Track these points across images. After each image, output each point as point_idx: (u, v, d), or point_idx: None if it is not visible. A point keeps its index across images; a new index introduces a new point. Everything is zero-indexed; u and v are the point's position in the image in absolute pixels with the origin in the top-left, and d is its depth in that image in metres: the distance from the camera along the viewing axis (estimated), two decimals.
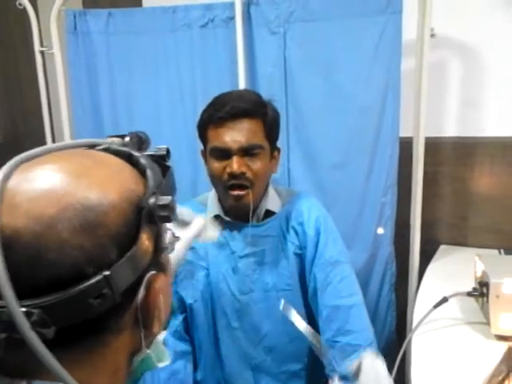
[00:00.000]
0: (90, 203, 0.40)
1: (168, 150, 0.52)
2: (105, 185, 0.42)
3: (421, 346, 1.05)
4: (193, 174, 1.58)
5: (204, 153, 1.12)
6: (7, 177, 0.40)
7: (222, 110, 1.03)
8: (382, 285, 1.53)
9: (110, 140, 0.51)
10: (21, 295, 0.36)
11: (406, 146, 1.46)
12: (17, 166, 0.42)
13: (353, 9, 1.41)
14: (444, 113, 1.60)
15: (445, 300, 1.11)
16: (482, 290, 1.08)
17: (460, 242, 1.63)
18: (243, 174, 1.03)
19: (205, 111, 1.09)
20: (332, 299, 1.08)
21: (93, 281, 0.38)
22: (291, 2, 1.45)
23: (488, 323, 1.05)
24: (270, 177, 1.14)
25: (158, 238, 0.46)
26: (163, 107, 1.64)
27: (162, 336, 0.51)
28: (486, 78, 1.54)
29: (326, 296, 1.08)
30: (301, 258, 1.13)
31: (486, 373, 0.92)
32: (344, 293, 1.09)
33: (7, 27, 2.19)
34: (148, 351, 0.48)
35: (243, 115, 1.03)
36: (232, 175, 1.03)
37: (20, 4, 1.72)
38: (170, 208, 0.44)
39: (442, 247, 1.62)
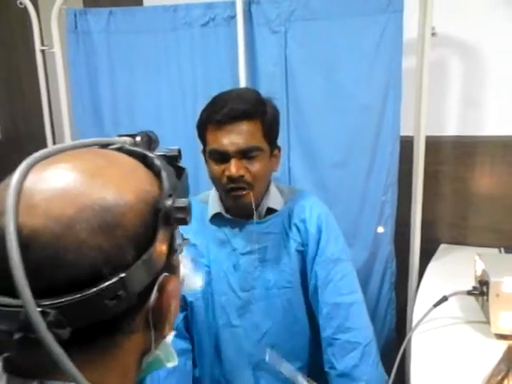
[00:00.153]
0: (108, 204, 0.40)
1: (180, 151, 0.52)
2: (120, 185, 0.42)
3: (421, 344, 1.06)
4: (194, 172, 1.58)
5: (204, 152, 1.12)
6: (24, 176, 0.40)
7: (219, 113, 1.02)
8: (382, 283, 1.54)
9: (122, 139, 0.51)
10: (37, 295, 0.36)
11: (406, 144, 1.46)
12: (32, 165, 0.41)
13: (354, 7, 1.41)
14: (445, 112, 1.60)
15: (445, 299, 1.11)
16: (481, 289, 1.08)
17: (460, 241, 1.63)
18: (242, 177, 1.03)
19: (203, 112, 1.08)
20: (332, 297, 1.08)
21: (109, 282, 0.38)
22: (292, 0, 1.45)
23: (488, 322, 1.06)
24: (270, 175, 1.14)
25: (171, 240, 0.46)
26: (164, 106, 1.64)
27: (170, 337, 0.51)
28: (486, 77, 1.53)
29: (326, 293, 1.09)
30: (302, 255, 1.13)
31: (486, 372, 0.92)
32: (344, 290, 1.09)
33: (8, 26, 2.19)
34: (158, 352, 0.49)
35: (241, 117, 1.03)
36: (231, 179, 1.03)
37: (21, 3, 1.72)
38: (186, 210, 0.44)
39: (442, 246, 1.62)
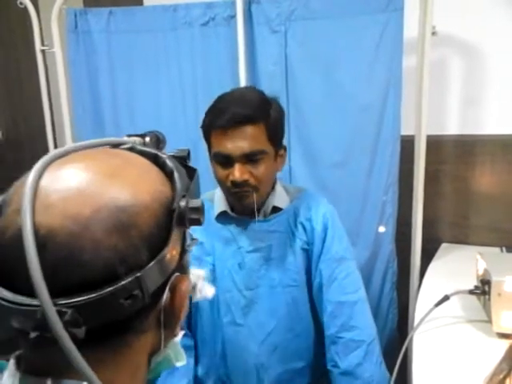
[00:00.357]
0: (123, 204, 0.40)
1: (189, 152, 0.52)
2: (136, 185, 0.42)
3: (422, 343, 1.05)
4: None
5: (209, 151, 1.11)
6: (40, 175, 0.40)
7: (222, 118, 1.01)
8: (384, 283, 1.53)
9: (131, 139, 0.51)
10: (54, 294, 0.36)
11: (407, 144, 1.45)
12: (48, 164, 0.42)
13: (354, 7, 1.41)
14: (445, 111, 1.60)
15: (446, 298, 1.11)
16: (483, 288, 1.07)
17: (461, 240, 1.63)
18: (246, 181, 1.03)
19: (207, 115, 1.07)
20: (337, 295, 1.08)
21: (125, 282, 0.38)
22: (292, 0, 1.45)
23: (490, 321, 1.05)
24: (275, 176, 1.14)
25: (183, 241, 0.46)
26: (164, 106, 1.64)
27: (179, 336, 0.52)
28: (487, 76, 1.53)
29: (331, 292, 1.09)
30: (307, 253, 1.13)
31: (488, 371, 0.92)
32: (349, 289, 1.10)
33: (8, 26, 2.19)
34: (168, 351, 0.49)
35: (244, 121, 1.02)
36: (235, 183, 1.03)
37: (21, 3, 1.72)
38: (200, 211, 0.44)
39: (444, 245, 1.62)
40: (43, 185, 0.40)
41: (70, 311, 0.36)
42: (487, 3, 1.48)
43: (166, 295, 0.44)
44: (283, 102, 1.47)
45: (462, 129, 1.60)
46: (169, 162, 0.47)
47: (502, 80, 1.52)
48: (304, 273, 1.13)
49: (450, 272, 1.37)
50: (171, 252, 0.42)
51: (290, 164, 1.55)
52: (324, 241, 1.12)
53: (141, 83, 1.65)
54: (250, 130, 1.02)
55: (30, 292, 0.36)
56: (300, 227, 1.13)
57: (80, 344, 0.36)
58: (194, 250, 0.51)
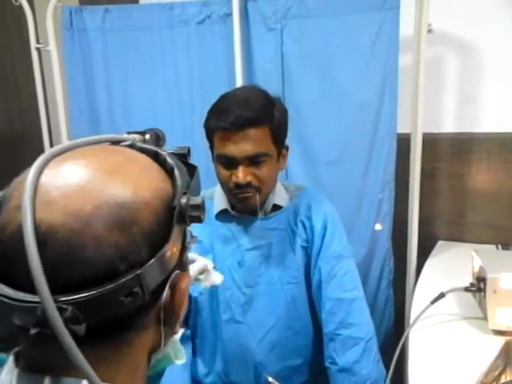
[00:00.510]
0: (124, 200, 0.40)
1: (189, 149, 0.52)
2: (137, 182, 0.42)
3: (418, 341, 1.06)
4: None
5: (211, 150, 1.11)
6: (40, 172, 0.40)
7: (226, 120, 1.00)
8: (380, 280, 1.54)
9: (131, 136, 0.51)
10: (54, 291, 0.36)
11: (403, 142, 1.46)
12: (49, 160, 0.41)
13: (350, 5, 1.41)
14: (441, 109, 1.61)
15: (442, 295, 1.11)
16: (479, 285, 1.08)
17: (457, 237, 1.63)
18: (249, 183, 1.04)
19: (210, 115, 1.06)
20: (336, 292, 1.09)
21: (125, 279, 0.38)
22: None
23: (485, 318, 1.06)
24: (277, 175, 1.14)
25: (184, 238, 0.46)
26: (160, 103, 1.64)
27: (179, 334, 0.52)
28: (483, 73, 1.54)
29: (329, 289, 1.10)
30: (307, 251, 1.14)
31: (483, 367, 0.92)
32: (348, 286, 1.10)
33: (3, 24, 2.18)
34: (168, 349, 0.49)
35: (249, 124, 1.01)
36: (238, 185, 1.03)
37: (16, 0, 1.71)
38: (201, 208, 0.44)
39: (440, 243, 1.63)
40: (43, 181, 0.40)
41: (70, 308, 0.36)
42: (483, 1, 1.48)
43: (166, 293, 0.44)
44: None
45: (458, 127, 1.60)
46: (169, 160, 0.47)
47: (498, 78, 1.52)
48: (303, 270, 1.14)
49: (446, 269, 1.38)
50: (172, 249, 0.42)
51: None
52: (323, 238, 1.12)
53: (136, 81, 1.64)
54: (254, 132, 1.01)
55: (31, 289, 0.36)
56: (300, 225, 1.14)
57: (80, 341, 0.36)
58: (193, 248, 0.51)
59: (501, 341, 1.01)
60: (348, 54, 1.43)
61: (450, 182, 1.62)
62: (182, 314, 0.48)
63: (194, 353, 1.20)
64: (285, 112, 1.10)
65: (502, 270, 1.03)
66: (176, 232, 0.43)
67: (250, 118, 1.01)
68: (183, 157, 0.51)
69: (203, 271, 0.77)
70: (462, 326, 1.09)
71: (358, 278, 1.14)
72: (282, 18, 1.47)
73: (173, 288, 0.44)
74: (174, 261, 0.43)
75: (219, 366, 1.17)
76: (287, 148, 1.15)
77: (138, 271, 0.39)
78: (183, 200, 0.43)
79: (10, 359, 0.42)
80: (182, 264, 0.46)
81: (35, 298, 0.36)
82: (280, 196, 1.15)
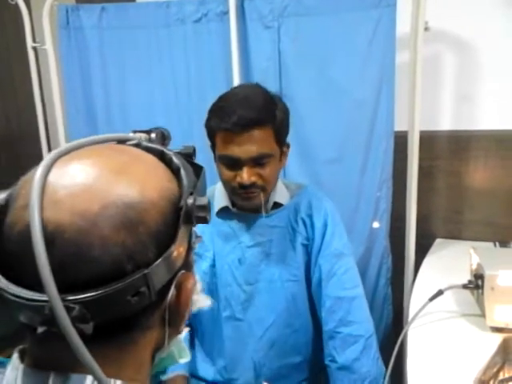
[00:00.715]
0: (131, 200, 0.40)
1: (194, 149, 0.52)
2: (143, 182, 0.42)
3: (417, 338, 1.06)
4: None
5: (212, 149, 1.10)
6: (47, 171, 0.40)
7: (228, 121, 0.99)
8: (378, 278, 1.54)
9: (137, 136, 0.51)
10: (61, 290, 0.36)
11: (400, 140, 1.46)
12: (55, 160, 0.41)
13: (347, 3, 1.41)
14: (438, 107, 1.61)
15: (440, 293, 1.11)
16: (477, 283, 1.08)
17: (455, 235, 1.64)
18: (253, 183, 1.04)
19: (211, 115, 1.05)
20: (336, 290, 1.09)
21: (132, 278, 0.38)
22: None
23: (483, 315, 1.06)
24: (279, 173, 1.14)
25: (189, 238, 0.46)
26: (157, 102, 1.64)
27: (183, 333, 0.52)
28: (480, 71, 1.54)
29: (329, 287, 1.10)
30: (307, 249, 1.14)
31: (481, 364, 0.92)
32: (348, 284, 1.11)
33: (0, 23, 2.17)
34: (172, 348, 0.49)
35: (251, 125, 1.00)
36: (242, 186, 1.03)
37: None
38: (207, 209, 0.44)
39: (438, 241, 1.63)
40: (51, 180, 0.40)
41: (77, 307, 0.36)
42: None
43: (171, 293, 0.44)
44: None
45: (455, 124, 1.60)
46: (175, 159, 0.47)
47: (495, 75, 1.52)
48: (303, 268, 1.14)
49: (444, 267, 1.38)
50: (178, 249, 0.42)
51: None
52: (324, 236, 1.12)
53: (133, 79, 1.64)
54: (257, 133, 1.01)
55: (38, 287, 0.36)
56: (301, 223, 1.14)
57: (86, 340, 0.37)
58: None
59: (499, 338, 1.01)
60: (345, 51, 1.43)
61: (448, 180, 1.62)
62: (187, 314, 0.48)
63: (194, 350, 1.20)
64: (286, 111, 1.10)
65: (499, 267, 1.03)
66: (182, 232, 0.43)
67: (253, 118, 1.00)
68: (189, 156, 0.51)
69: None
70: (460, 323, 1.10)
71: (358, 277, 1.14)
72: (278, 16, 1.47)
73: (178, 288, 0.45)
74: (180, 261, 0.43)
75: (219, 362, 1.17)
76: (288, 145, 1.15)
77: (145, 271, 0.39)
78: (190, 200, 0.43)
79: (15, 356, 0.43)
80: (188, 264, 0.47)
81: (43, 297, 0.36)
82: (281, 194, 1.15)
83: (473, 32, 1.51)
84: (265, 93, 1.07)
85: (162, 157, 0.48)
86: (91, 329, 0.37)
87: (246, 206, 1.11)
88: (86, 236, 0.38)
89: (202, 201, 0.44)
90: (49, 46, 1.66)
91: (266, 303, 1.13)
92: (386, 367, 1.05)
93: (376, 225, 1.51)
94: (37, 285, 0.36)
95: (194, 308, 0.69)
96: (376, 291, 1.54)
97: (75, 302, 0.37)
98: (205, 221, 0.44)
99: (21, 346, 0.43)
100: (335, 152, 1.51)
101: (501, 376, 0.94)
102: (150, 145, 0.49)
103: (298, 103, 1.50)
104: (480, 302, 1.09)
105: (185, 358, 0.53)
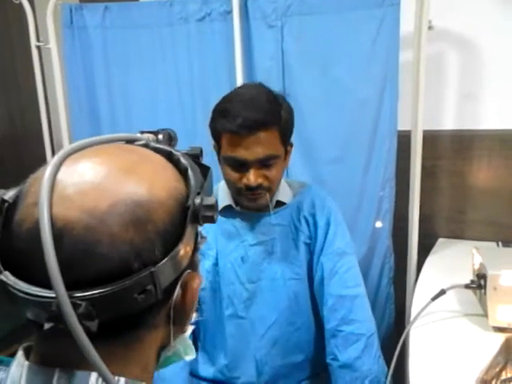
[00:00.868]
0: (140, 199, 0.41)
1: (201, 150, 0.52)
2: (152, 181, 0.43)
3: (419, 338, 1.06)
4: None
5: (217, 149, 1.09)
6: (57, 169, 0.40)
7: (233, 123, 0.99)
8: (381, 278, 1.54)
9: (145, 136, 0.52)
10: (68, 287, 0.36)
11: (403, 139, 1.45)
12: (65, 158, 0.42)
13: (350, 2, 1.40)
14: (442, 106, 1.60)
15: (443, 292, 1.11)
16: (479, 282, 1.08)
17: (458, 234, 1.63)
18: (260, 185, 1.04)
19: (215, 116, 1.05)
20: (338, 289, 1.10)
21: (139, 276, 0.39)
22: None
23: (485, 315, 1.06)
24: (284, 172, 1.14)
25: (196, 238, 0.47)
26: (160, 101, 1.64)
27: (189, 331, 0.52)
28: (483, 70, 1.53)
29: (332, 285, 1.10)
30: (310, 247, 1.14)
31: (484, 364, 0.92)
32: (350, 283, 1.11)
33: (4, 22, 2.18)
34: (178, 346, 0.50)
35: (257, 127, 1.00)
36: (249, 187, 1.03)
37: None
38: (214, 208, 0.45)
39: (440, 240, 1.63)
40: (60, 178, 0.40)
41: (84, 304, 0.37)
42: None
43: (177, 291, 0.44)
44: None
45: (458, 124, 1.60)
46: (183, 160, 0.48)
47: (499, 74, 1.52)
48: (306, 266, 1.14)
49: (446, 267, 1.38)
50: (185, 248, 0.43)
51: None
52: (326, 235, 1.13)
53: (137, 79, 1.64)
54: (263, 135, 1.00)
55: (46, 284, 0.37)
56: (303, 221, 1.14)
57: (93, 337, 0.37)
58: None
59: (501, 337, 1.01)
60: (348, 50, 1.43)
61: (451, 180, 1.62)
62: (192, 313, 0.49)
63: (196, 348, 1.20)
64: (290, 110, 1.10)
65: (502, 267, 1.03)
66: (189, 232, 0.43)
67: (258, 120, 0.99)
68: (196, 157, 0.51)
69: None
70: (463, 323, 1.09)
71: (360, 275, 1.15)
72: (282, 16, 1.47)
73: (184, 287, 0.45)
74: (186, 260, 0.44)
75: (221, 361, 1.18)
76: (291, 144, 1.15)
77: (152, 269, 0.39)
78: (197, 200, 0.44)
79: (20, 354, 0.43)
80: (194, 264, 0.47)
81: (50, 294, 0.37)
82: (283, 193, 1.16)
83: (476, 31, 1.50)
84: (269, 93, 1.06)
85: (170, 157, 0.48)
86: (96, 326, 0.37)
87: (252, 206, 1.11)
88: (94, 233, 0.38)
89: (210, 200, 0.45)
90: (52, 44, 1.67)
91: (269, 301, 1.13)
92: (388, 367, 1.05)
93: (379, 224, 1.51)
94: (44, 281, 0.37)
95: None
96: (378, 291, 1.54)
97: (82, 298, 0.37)
98: (212, 220, 0.45)
99: (25, 344, 0.43)
100: (338, 151, 1.51)
101: (503, 376, 0.94)
102: (157, 145, 0.50)
103: (301, 102, 1.50)
104: (482, 302, 1.08)
105: (190, 355, 0.53)
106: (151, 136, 0.52)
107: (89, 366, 0.38)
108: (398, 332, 1.45)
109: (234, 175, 1.05)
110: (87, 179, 0.40)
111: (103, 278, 0.38)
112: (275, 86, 1.46)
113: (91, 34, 1.65)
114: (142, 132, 0.53)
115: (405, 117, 1.44)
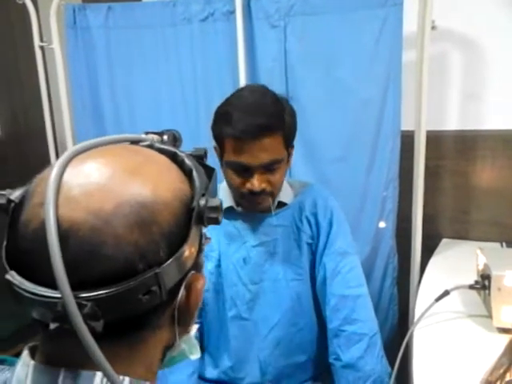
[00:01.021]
0: (145, 200, 0.41)
1: (206, 151, 0.53)
2: (157, 182, 0.43)
3: (423, 339, 1.05)
4: None
5: (218, 152, 1.09)
6: (63, 170, 0.41)
7: (237, 127, 0.98)
8: (384, 278, 1.53)
9: (149, 137, 0.52)
10: (74, 287, 0.37)
11: (407, 139, 1.45)
12: (70, 159, 0.42)
13: (353, 2, 1.40)
14: (445, 106, 1.60)
15: (446, 293, 1.11)
16: (483, 283, 1.07)
17: (462, 235, 1.63)
18: (263, 190, 1.04)
19: (218, 119, 1.04)
20: (340, 288, 1.09)
21: (144, 277, 0.39)
22: None
23: (490, 316, 1.05)
24: (286, 174, 1.13)
25: (200, 239, 0.47)
26: (163, 102, 1.64)
27: (194, 330, 0.52)
28: (487, 70, 1.53)
29: (334, 285, 1.10)
30: (312, 247, 1.14)
31: (488, 365, 0.91)
32: (352, 283, 1.11)
33: (7, 23, 2.19)
34: (183, 346, 0.50)
35: (261, 131, 0.98)
36: (252, 192, 1.03)
37: None
38: (219, 210, 0.45)
39: (444, 241, 1.62)
40: (66, 179, 0.40)
41: (89, 304, 0.37)
42: None
43: (181, 293, 0.44)
44: None
45: (462, 124, 1.60)
46: (187, 161, 0.48)
47: (502, 74, 1.51)
48: (308, 267, 1.14)
49: (450, 267, 1.37)
50: (189, 250, 0.43)
51: None
52: (328, 235, 1.13)
53: (140, 79, 1.64)
54: (267, 140, 0.99)
55: (51, 284, 0.37)
56: (305, 221, 1.14)
57: (98, 338, 0.37)
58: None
59: (505, 338, 1.00)
60: (351, 51, 1.43)
61: (454, 180, 1.61)
62: (196, 314, 0.49)
63: (202, 349, 1.20)
64: (293, 113, 1.09)
65: (506, 268, 1.03)
66: (194, 233, 0.43)
67: (262, 125, 0.98)
68: (200, 158, 0.51)
69: None
70: (467, 324, 1.09)
71: (362, 275, 1.14)
72: (285, 16, 1.47)
73: (188, 289, 0.45)
74: (190, 261, 0.44)
75: (225, 362, 1.18)
76: (292, 146, 1.14)
77: (157, 270, 0.39)
78: (202, 201, 0.44)
79: (25, 353, 0.43)
80: (198, 265, 0.47)
81: (56, 294, 0.37)
82: (285, 193, 1.15)
83: (480, 31, 1.50)
84: (272, 96, 1.05)
85: (175, 158, 0.48)
86: (101, 326, 0.38)
87: (256, 209, 1.11)
88: (99, 234, 0.38)
89: (214, 202, 0.45)
90: (56, 45, 1.67)
91: (271, 302, 1.13)
92: (392, 367, 1.05)
93: (382, 224, 1.50)
94: (50, 281, 0.37)
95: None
96: (382, 291, 1.54)
97: (87, 299, 0.37)
98: (217, 222, 0.45)
99: (30, 344, 0.44)
100: (341, 151, 1.50)
101: (508, 377, 0.94)
102: (162, 146, 0.50)
103: (304, 102, 1.50)
104: (487, 303, 1.08)
105: (196, 355, 0.53)
106: (156, 137, 0.52)
107: (94, 366, 0.38)
108: (402, 333, 1.45)
109: (237, 180, 1.05)
110: (93, 180, 0.41)
111: (108, 279, 0.38)
112: (278, 86, 1.47)
113: (94, 34, 1.65)
114: (147, 133, 0.53)
115: (408, 117, 1.44)
